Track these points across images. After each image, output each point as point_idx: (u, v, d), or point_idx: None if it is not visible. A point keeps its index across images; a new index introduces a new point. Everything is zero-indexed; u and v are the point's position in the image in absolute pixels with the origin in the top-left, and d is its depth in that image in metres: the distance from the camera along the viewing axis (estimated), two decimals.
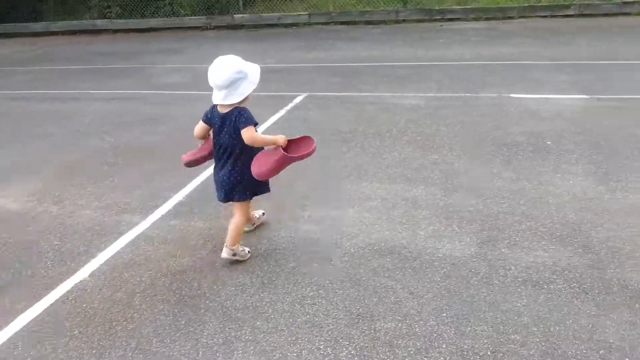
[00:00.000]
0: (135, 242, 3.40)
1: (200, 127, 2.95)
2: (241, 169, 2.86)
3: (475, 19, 11.01)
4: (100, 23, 13.51)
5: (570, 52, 7.72)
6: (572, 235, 3.11)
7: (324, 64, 8.12)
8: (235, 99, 2.74)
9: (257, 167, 2.81)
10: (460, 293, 2.68)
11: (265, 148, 2.90)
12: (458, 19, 11.15)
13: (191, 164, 3.10)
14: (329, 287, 2.81)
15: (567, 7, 10.59)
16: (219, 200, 3.02)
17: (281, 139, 2.82)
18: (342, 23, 11.87)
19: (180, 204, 3.87)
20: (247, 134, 2.72)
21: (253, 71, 2.78)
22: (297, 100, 6.27)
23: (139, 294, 2.88)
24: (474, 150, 4.46)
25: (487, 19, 10.97)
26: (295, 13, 12.17)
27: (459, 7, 11.26)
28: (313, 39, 10.38)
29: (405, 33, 10.35)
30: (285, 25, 12.17)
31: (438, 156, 4.38)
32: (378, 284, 2.79)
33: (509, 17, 10.85)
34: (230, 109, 2.78)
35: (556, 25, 9.93)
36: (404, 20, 11.49)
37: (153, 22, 13.14)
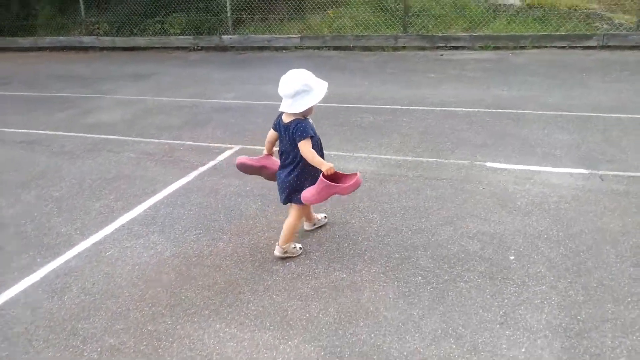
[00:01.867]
0: None
1: (270, 133, 3.16)
2: (301, 174, 2.99)
3: (483, 48, 9.55)
4: (87, 40, 12.61)
5: (582, 97, 6.20)
6: None
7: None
8: (296, 109, 2.87)
9: (305, 192, 2.94)
10: None
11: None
12: (463, 47, 9.71)
13: (243, 167, 3.24)
14: None
15: (589, 37, 9.00)
16: (281, 202, 3.14)
17: (326, 165, 2.86)
18: (336, 48, 10.58)
19: None
20: (302, 146, 2.88)
21: (319, 88, 2.91)
22: (222, 157, 4.99)
23: None
24: (389, 273, 3.07)
25: (497, 48, 9.49)
26: (286, 36, 10.94)
27: (465, 33, 9.80)
28: (295, 67, 9.06)
29: (399, 63, 8.96)
30: (276, 49, 10.96)
31: (345, 274, 3.02)
32: None
33: (521, 47, 9.33)
34: (292, 118, 2.93)
35: (574, 58, 8.36)
36: (403, 47, 10.11)
37: (140, 40, 12.16)
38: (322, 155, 3.01)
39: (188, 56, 11.09)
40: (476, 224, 3.48)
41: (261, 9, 11.34)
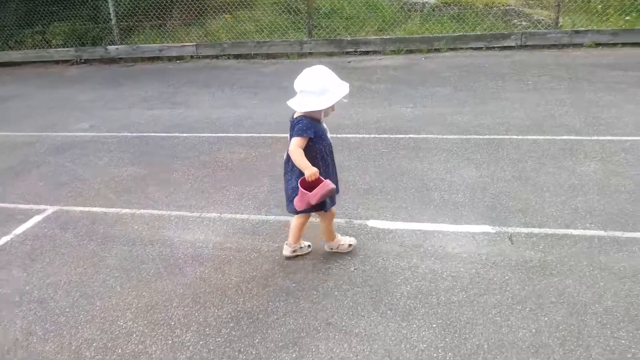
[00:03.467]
0: None
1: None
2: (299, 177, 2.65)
3: (395, 52, 8.51)
4: None
5: (496, 113, 5.22)
6: None
7: (140, 132, 5.52)
8: (300, 107, 2.65)
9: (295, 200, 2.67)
10: None
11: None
12: (374, 52, 8.65)
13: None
14: None
15: (507, 36, 8.13)
16: (289, 212, 2.84)
17: (309, 170, 2.54)
18: (236, 56, 9.30)
19: None
20: (292, 142, 2.61)
21: (330, 93, 2.58)
22: (22, 228, 3.65)
23: None
24: None
25: (410, 51, 8.48)
26: (180, 44, 9.55)
27: (376, 37, 8.74)
28: (177, 83, 7.75)
29: (296, 72, 7.74)
30: (169, 59, 9.57)
31: None
32: None
33: (436, 50, 8.36)
34: (300, 114, 2.67)
35: (490, 61, 7.45)
36: (310, 53, 8.95)
37: (15, 55, 10.43)
38: (333, 166, 2.80)
39: (66, 71, 9.51)
40: (331, 344, 2.33)
41: (152, 15, 9.89)
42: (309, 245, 3.06)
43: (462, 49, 8.28)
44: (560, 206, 3.38)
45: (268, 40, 9.18)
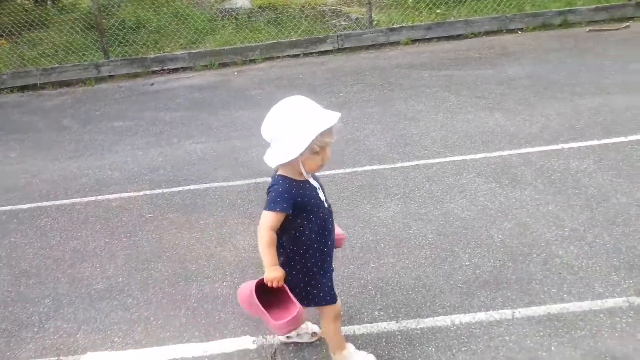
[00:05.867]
0: None
1: None
2: (286, 257, 1.87)
3: (206, 67, 7.42)
4: None
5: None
6: None
7: None
8: (272, 161, 1.82)
9: (241, 287, 1.92)
10: None
11: None
12: (184, 69, 7.48)
13: None
14: None
15: (323, 40, 7.40)
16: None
17: (270, 273, 1.78)
18: (21, 89, 7.57)
19: None
20: (261, 219, 1.81)
21: (304, 130, 1.71)
22: None
23: None
24: None
25: (223, 64, 7.43)
26: None
27: (183, 51, 7.56)
28: None
29: (89, 105, 6.36)
30: None
31: None
32: None
33: (252, 61, 7.41)
34: (278, 172, 1.88)
35: (305, 70, 6.66)
36: (110, 77, 7.53)
37: None
38: (330, 242, 1.94)
39: None
40: None
41: None
42: (314, 333, 2.19)
43: (278, 58, 7.42)
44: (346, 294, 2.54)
45: (57, 65, 7.59)
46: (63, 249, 3.17)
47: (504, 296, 2.35)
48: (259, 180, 3.72)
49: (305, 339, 2.18)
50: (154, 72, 7.50)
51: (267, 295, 1.82)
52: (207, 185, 3.80)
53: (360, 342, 2.18)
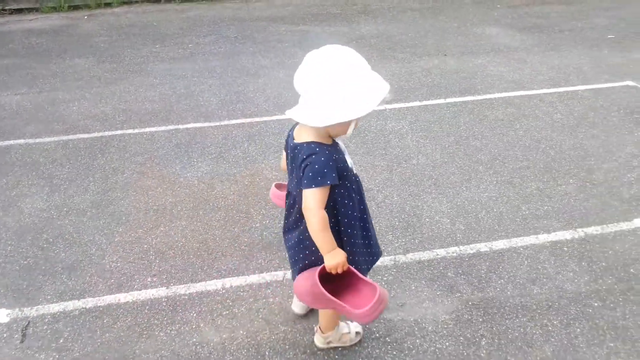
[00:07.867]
0: None
1: (283, 157, 1.71)
2: (305, 239, 1.60)
3: (55, 9, 6.69)
4: None
5: (122, 96, 4.09)
6: None
7: None
8: (310, 119, 1.42)
9: (298, 278, 1.63)
10: None
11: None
12: (30, 10, 6.70)
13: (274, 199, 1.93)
14: None
15: None
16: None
17: (334, 256, 1.51)
18: None
19: None
20: (307, 199, 1.47)
21: (365, 91, 1.40)
22: None
23: None
24: None
25: (75, 7, 6.74)
26: None
27: None
28: None
29: None
30: None
31: None
32: None
33: (107, 4, 6.78)
34: (308, 138, 1.50)
35: (162, 17, 6.23)
36: None
37: None
38: (363, 209, 1.65)
39: None
40: None
41: None
42: (358, 332, 1.94)
43: (136, 2, 6.86)
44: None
45: None
46: None
47: (281, 257, 2.35)
48: (71, 137, 3.41)
49: (348, 342, 1.93)
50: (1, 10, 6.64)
51: (330, 283, 1.54)
52: (11, 142, 3.43)
53: (122, 311, 2.09)
